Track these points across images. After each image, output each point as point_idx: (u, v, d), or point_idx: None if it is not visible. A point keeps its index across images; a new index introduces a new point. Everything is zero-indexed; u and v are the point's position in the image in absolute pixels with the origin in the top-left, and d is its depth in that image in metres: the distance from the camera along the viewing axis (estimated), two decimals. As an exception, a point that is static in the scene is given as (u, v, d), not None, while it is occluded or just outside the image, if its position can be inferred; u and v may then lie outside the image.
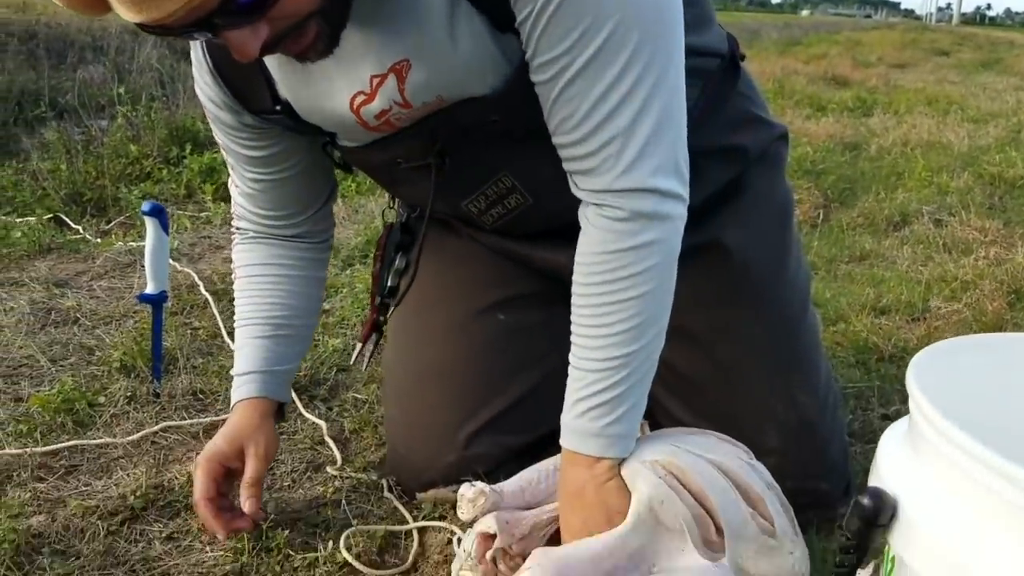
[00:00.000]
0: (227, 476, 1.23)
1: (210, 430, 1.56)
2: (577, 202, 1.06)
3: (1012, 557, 0.57)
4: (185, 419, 1.60)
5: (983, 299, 2.12)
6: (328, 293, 2.26)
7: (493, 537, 1.06)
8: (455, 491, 1.28)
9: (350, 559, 1.18)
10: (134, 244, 2.59)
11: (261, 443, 1.23)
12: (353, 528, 1.26)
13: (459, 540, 1.18)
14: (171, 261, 2.43)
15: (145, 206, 1.68)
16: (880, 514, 0.65)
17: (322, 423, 1.57)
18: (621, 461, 1.03)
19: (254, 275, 1.33)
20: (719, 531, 1.03)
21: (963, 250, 2.63)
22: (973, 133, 4.53)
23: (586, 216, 1.03)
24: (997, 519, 0.59)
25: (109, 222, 2.95)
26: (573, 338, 1.04)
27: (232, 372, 1.31)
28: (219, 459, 1.22)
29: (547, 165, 1.05)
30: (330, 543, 1.22)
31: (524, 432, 1.30)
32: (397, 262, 1.38)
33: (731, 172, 1.32)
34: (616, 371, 1.01)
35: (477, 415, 1.28)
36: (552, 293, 1.35)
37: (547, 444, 1.31)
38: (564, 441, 1.05)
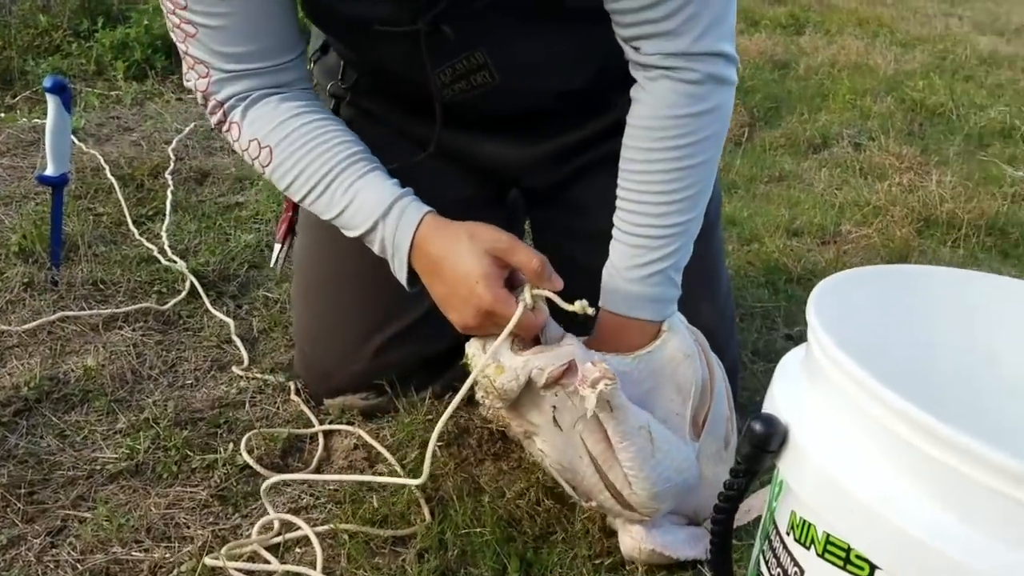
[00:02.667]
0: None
1: (110, 322, 1.52)
2: (539, 94, 1.09)
3: (894, 489, 0.58)
4: (84, 309, 1.55)
5: (892, 225, 2.16)
6: (242, 184, 2.19)
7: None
8: (364, 399, 1.28)
9: (250, 461, 1.17)
10: (39, 121, 2.46)
11: (499, 236, 0.99)
12: (255, 430, 1.24)
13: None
14: (77, 142, 2.33)
15: (47, 81, 1.59)
16: (770, 440, 0.66)
17: (230, 321, 1.54)
18: None
19: (292, 130, 1.07)
20: (704, 420, 1.07)
21: (878, 175, 2.66)
22: (900, 57, 4.56)
23: (651, 80, 1.03)
24: (882, 451, 0.60)
25: (15, 96, 2.80)
26: (628, 204, 1.06)
27: (363, 227, 1.06)
28: (500, 278, 0.98)
29: (526, 47, 1.06)
30: (230, 445, 1.21)
31: (437, 341, 1.28)
32: None
33: None
34: (676, 238, 1.06)
35: (390, 324, 1.26)
36: (479, 199, 1.32)
37: (457, 354, 1.31)
38: (623, 308, 1.06)
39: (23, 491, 1.11)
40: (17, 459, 1.17)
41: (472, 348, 1.00)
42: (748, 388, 1.49)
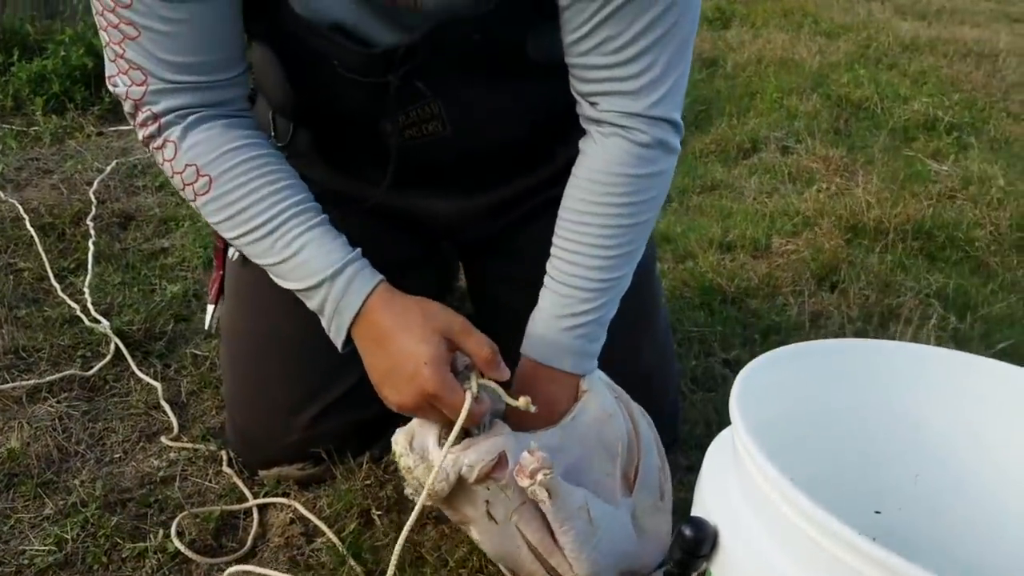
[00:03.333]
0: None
1: (34, 394, 1.47)
2: (484, 145, 1.13)
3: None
4: (6, 381, 1.49)
5: (821, 237, 2.18)
6: (167, 227, 2.14)
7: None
8: (300, 469, 1.25)
9: (181, 548, 1.14)
10: (-50, 169, 2.39)
11: (453, 319, 0.97)
12: (185, 512, 1.21)
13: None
14: (-9, 190, 2.27)
15: (-51, 145, 1.53)
16: (701, 545, 0.66)
17: (157, 385, 1.50)
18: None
19: (239, 162, 1.02)
20: (636, 473, 1.06)
21: (807, 180, 2.69)
22: (825, 48, 4.62)
23: (603, 136, 1.04)
24: (813, 565, 0.60)
25: (-72, 136, 2.71)
26: (564, 254, 1.07)
27: (307, 283, 1.01)
28: (447, 362, 0.95)
29: (480, 100, 1.08)
30: (160, 530, 1.17)
31: (373, 405, 1.23)
32: None
33: None
34: (605, 292, 1.06)
35: (323, 393, 1.23)
36: (415, 258, 1.30)
37: (393, 418, 1.28)
38: (544, 357, 1.06)
39: (-55, 597, 1.07)
40: (-62, 558, 1.13)
41: (399, 446, 0.97)
42: (688, 420, 1.49)
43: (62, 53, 3.11)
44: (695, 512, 0.70)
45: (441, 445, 0.93)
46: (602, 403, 1.05)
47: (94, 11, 0.98)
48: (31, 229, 2.04)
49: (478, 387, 0.94)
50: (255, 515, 1.22)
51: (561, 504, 0.94)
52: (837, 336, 1.77)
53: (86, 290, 1.78)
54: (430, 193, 1.26)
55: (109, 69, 1.01)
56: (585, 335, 1.07)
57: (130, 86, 1.00)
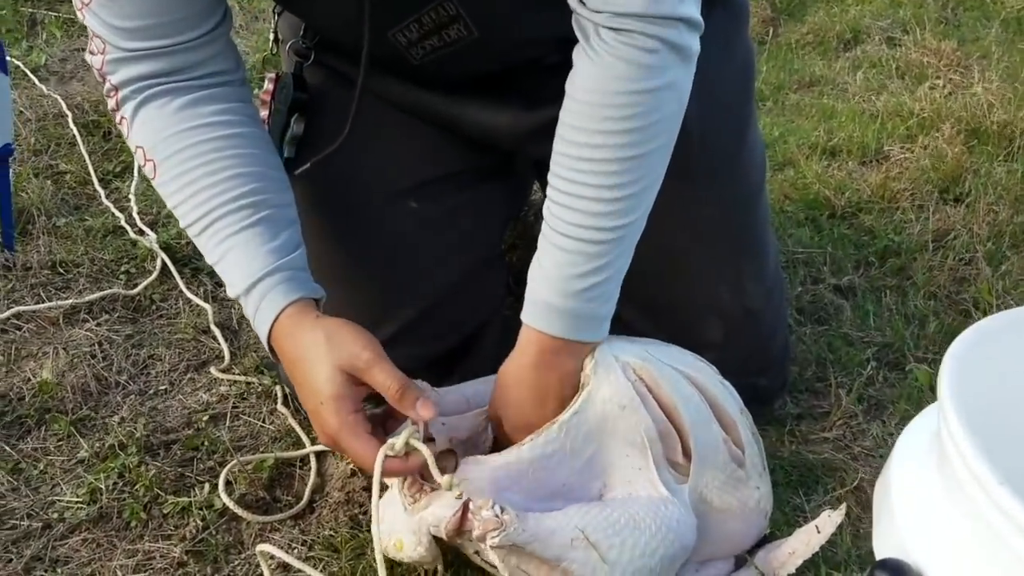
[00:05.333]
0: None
1: (72, 315, 1.34)
2: (526, 46, 0.97)
3: None
4: (42, 300, 1.37)
5: (941, 143, 1.94)
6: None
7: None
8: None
9: (230, 504, 1.00)
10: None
11: (359, 351, 0.87)
12: (235, 461, 1.07)
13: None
14: (38, 83, 2.13)
15: (-26, 39, 1.38)
16: (900, 596, 0.49)
17: (208, 307, 1.36)
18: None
19: (181, 149, 0.92)
20: (686, 454, 0.91)
21: (917, 76, 2.43)
22: (925, -73, 4.22)
23: (597, 46, 0.84)
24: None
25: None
26: (562, 197, 0.87)
27: (231, 292, 0.93)
28: (351, 400, 0.87)
29: None
30: (207, 483, 1.04)
31: (438, 341, 1.11)
32: (293, 127, 1.11)
33: None
34: (617, 243, 0.87)
35: (381, 328, 1.06)
36: (476, 172, 1.15)
37: (464, 351, 1.15)
38: (549, 326, 0.88)
39: (-32, 553, 0.96)
40: (-38, 507, 1.01)
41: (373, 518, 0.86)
42: (797, 359, 1.32)
43: (108, -67, 2.92)
44: (883, 542, 0.53)
45: (406, 506, 0.83)
46: (611, 394, 0.87)
47: None
48: (74, 127, 1.90)
49: (408, 445, 0.82)
50: (313, 463, 1.08)
51: (542, 548, 0.79)
52: (965, 259, 1.56)
53: (132, 198, 1.64)
54: (487, 105, 1.10)
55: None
56: (598, 296, 0.88)
57: (94, 55, 0.93)
